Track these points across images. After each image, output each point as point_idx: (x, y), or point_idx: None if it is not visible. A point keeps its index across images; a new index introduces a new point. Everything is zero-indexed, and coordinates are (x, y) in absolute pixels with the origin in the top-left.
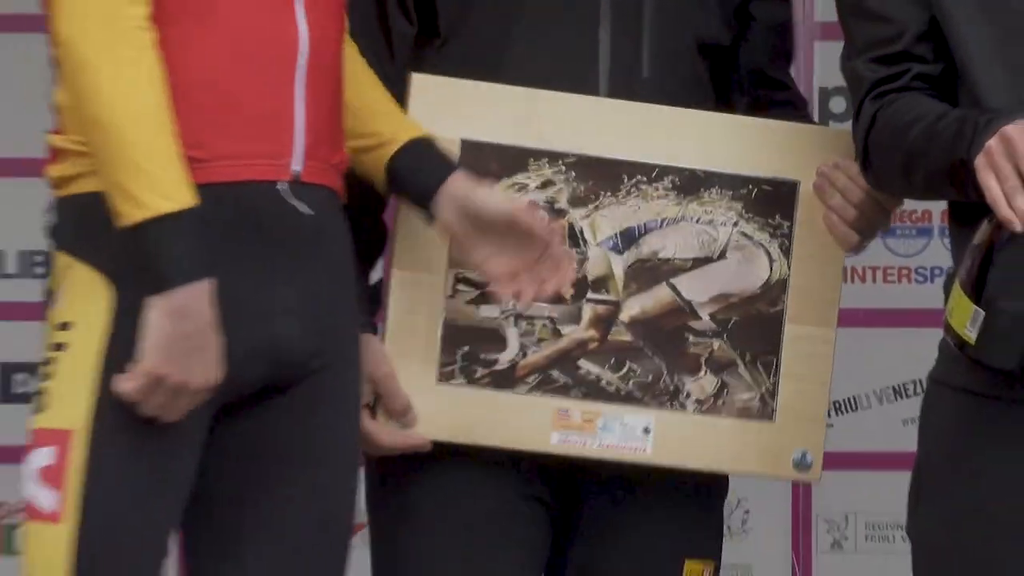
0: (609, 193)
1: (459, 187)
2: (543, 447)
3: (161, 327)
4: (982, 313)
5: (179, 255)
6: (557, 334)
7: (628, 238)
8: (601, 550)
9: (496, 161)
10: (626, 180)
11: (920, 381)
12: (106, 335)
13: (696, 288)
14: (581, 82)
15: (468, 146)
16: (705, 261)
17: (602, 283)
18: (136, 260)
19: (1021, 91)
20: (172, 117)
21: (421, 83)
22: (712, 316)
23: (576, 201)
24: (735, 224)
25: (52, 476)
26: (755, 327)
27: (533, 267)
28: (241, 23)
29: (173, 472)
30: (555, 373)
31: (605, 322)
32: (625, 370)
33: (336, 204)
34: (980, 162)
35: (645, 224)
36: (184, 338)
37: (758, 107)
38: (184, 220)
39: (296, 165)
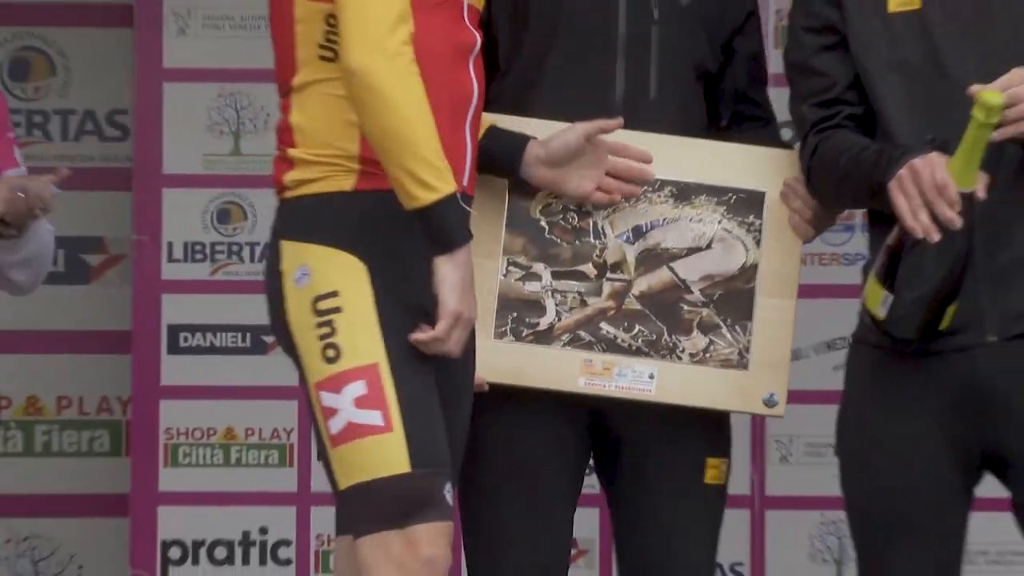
0: (623, 199)
1: (534, 147)
2: (573, 388)
3: (455, 277)
4: (891, 297)
5: (459, 223)
6: (584, 304)
7: (638, 233)
8: (644, 458)
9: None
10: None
11: (844, 338)
12: (372, 294)
13: (689, 270)
14: (601, 101)
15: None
16: (696, 250)
17: (618, 266)
18: (382, 241)
19: (921, 130)
20: (354, 139)
21: (488, 120)
22: (701, 291)
23: (599, 205)
24: (719, 222)
25: (371, 401)
26: (734, 299)
27: (608, 172)
28: (440, 78)
29: (433, 385)
30: (582, 333)
31: (620, 295)
32: (635, 331)
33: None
34: (893, 185)
35: (650, 223)
36: (467, 283)
37: (737, 120)
38: (456, 198)
39: (465, 181)
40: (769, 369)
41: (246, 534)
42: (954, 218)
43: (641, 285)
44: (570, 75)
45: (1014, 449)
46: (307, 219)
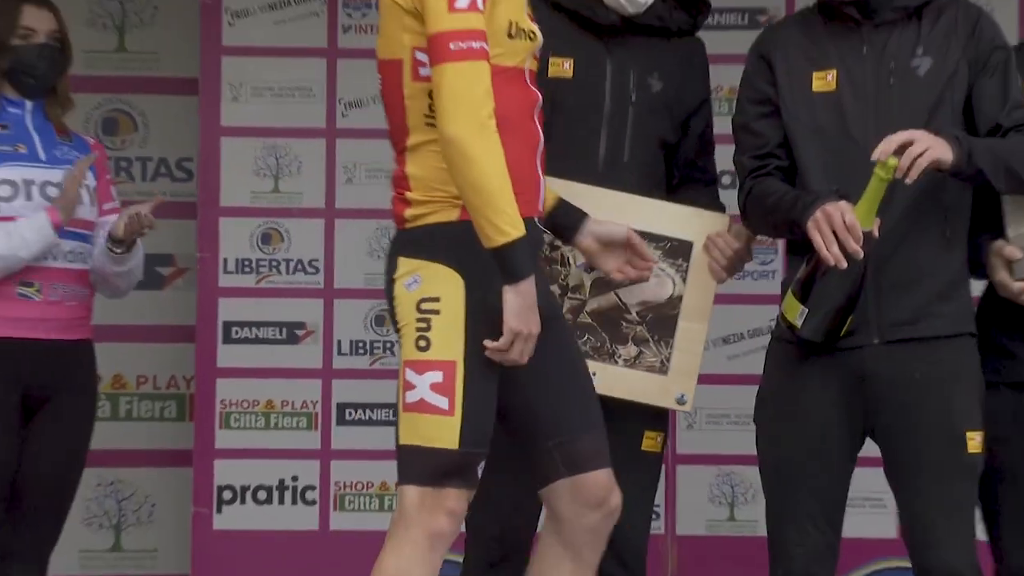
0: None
1: (591, 224)
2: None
3: (516, 303)
4: (806, 311)
5: (523, 262)
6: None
7: (592, 266)
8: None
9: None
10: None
11: (737, 334)
12: (464, 304)
13: (630, 296)
14: (587, 161)
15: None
16: (636, 281)
17: (577, 288)
18: (481, 263)
19: (829, 181)
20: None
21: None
22: (637, 313)
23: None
24: (665, 257)
25: (442, 388)
26: (661, 321)
27: (629, 262)
28: (519, 132)
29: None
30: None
31: (577, 311)
32: (585, 338)
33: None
34: (810, 225)
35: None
36: (528, 307)
37: (686, 180)
38: (522, 241)
39: (540, 206)
40: (683, 376)
41: (281, 481)
42: (859, 251)
43: (592, 304)
44: (566, 140)
45: (884, 423)
46: (421, 243)
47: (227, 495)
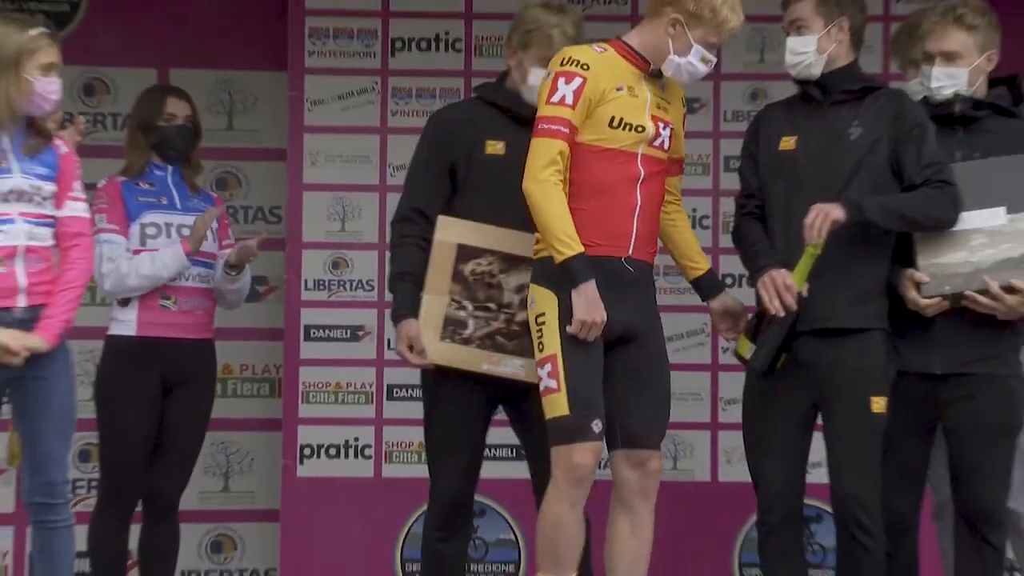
0: (512, 269)
1: (724, 296)
2: (479, 370)
3: (579, 300)
4: (754, 348)
5: (580, 272)
6: (488, 324)
7: (519, 288)
8: (522, 408)
9: (472, 252)
10: (518, 264)
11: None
12: (557, 314)
13: None
14: (517, 209)
15: (460, 247)
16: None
17: (508, 305)
18: (562, 280)
19: (784, 219)
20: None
21: (443, 220)
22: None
23: (500, 271)
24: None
25: (551, 375)
26: None
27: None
28: (612, 194)
29: (599, 365)
30: (487, 340)
31: (508, 322)
32: (514, 342)
33: (647, 269)
34: (759, 285)
35: (523, 283)
36: (588, 302)
37: None
38: (579, 256)
39: (630, 252)
40: None
41: (346, 441)
42: (793, 305)
43: (519, 317)
44: (503, 196)
45: (824, 397)
46: (536, 271)
47: (307, 451)
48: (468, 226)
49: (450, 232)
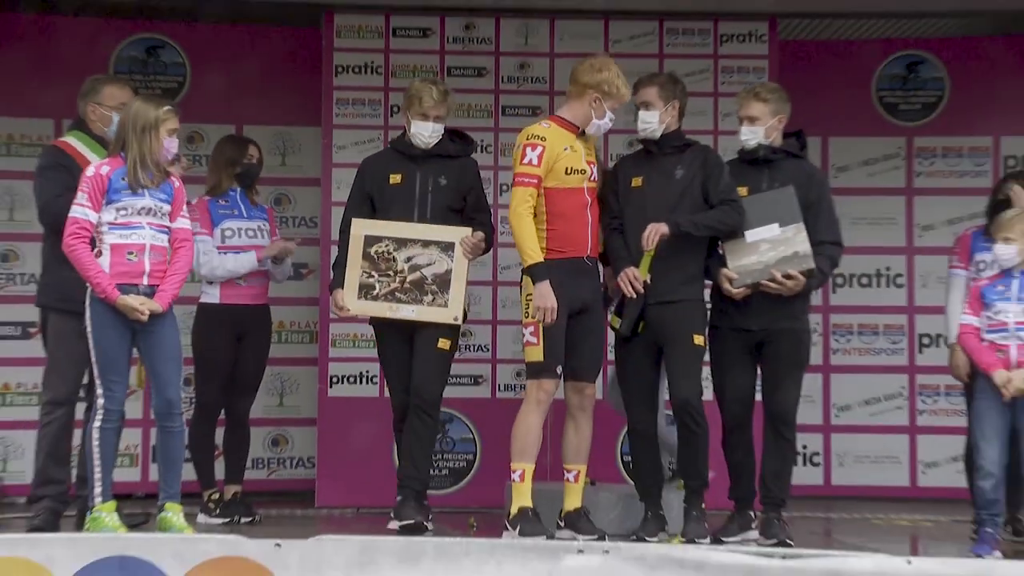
0: (401, 247)
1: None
2: (386, 315)
3: (537, 293)
4: (620, 321)
5: (539, 273)
6: (389, 286)
7: (409, 258)
8: (421, 338)
9: (376, 241)
10: (408, 244)
11: None
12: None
13: (429, 271)
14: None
15: (367, 237)
16: (430, 264)
17: (401, 271)
18: (553, 272)
19: (635, 237)
20: (539, 241)
21: (355, 221)
22: (431, 279)
23: (394, 249)
24: (441, 252)
25: (534, 333)
26: (442, 282)
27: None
28: (573, 218)
29: (563, 330)
30: (389, 296)
31: (403, 282)
32: (408, 294)
33: (596, 262)
34: (619, 278)
35: (414, 254)
36: (543, 295)
37: (472, 223)
38: (538, 264)
39: (587, 252)
40: (455, 307)
41: (360, 373)
42: (641, 290)
43: (409, 279)
44: (399, 213)
45: (665, 340)
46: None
47: (335, 380)
48: (369, 222)
49: (358, 227)
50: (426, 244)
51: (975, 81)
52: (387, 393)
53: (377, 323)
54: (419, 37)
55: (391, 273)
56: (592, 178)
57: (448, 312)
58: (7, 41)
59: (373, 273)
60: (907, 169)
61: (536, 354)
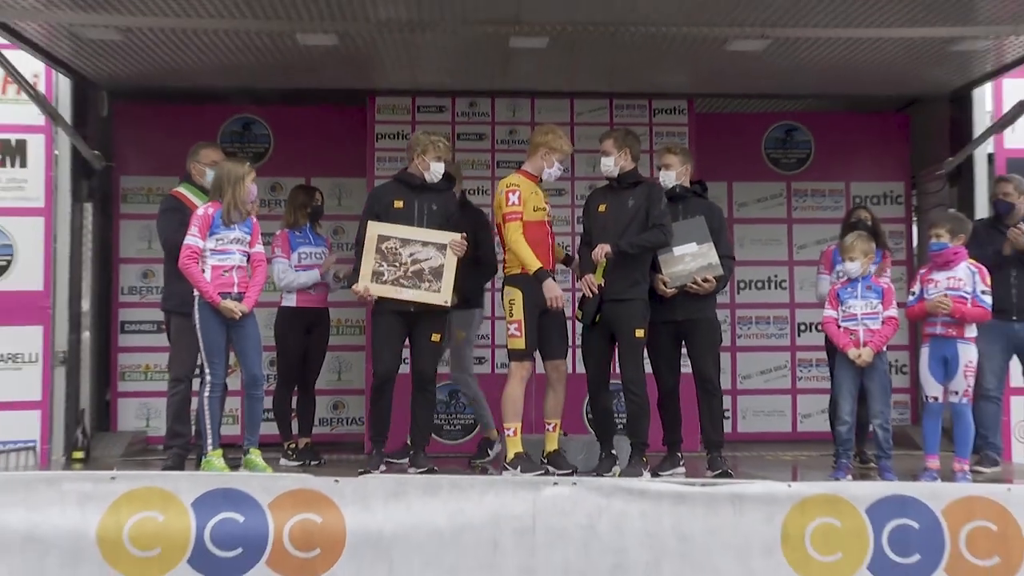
0: (405, 245)
1: (574, 263)
2: (393, 296)
3: (548, 289)
4: (583, 313)
5: (546, 274)
6: (394, 274)
7: (412, 253)
8: (419, 333)
9: (386, 240)
10: (411, 243)
11: None
12: (523, 300)
13: (428, 264)
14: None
15: (380, 236)
16: (427, 260)
17: (405, 263)
18: (529, 282)
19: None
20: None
21: (370, 223)
22: (428, 270)
23: (400, 246)
24: (436, 251)
25: (518, 328)
26: (437, 272)
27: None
28: (541, 244)
29: (535, 324)
30: (395, 281)
31: (407, 271)
32: (411, 282)
33: (550, 274)
34: (582, 282)
35: (415, 251)
36: (552, 288)
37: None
38: (542, 269)
39: (551, 266)
40: (445, 292)
41: None
42: (596, 292)
43: (411, 270)
44: (400, 215)
45: (616, 331)
46: (508, 279)
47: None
48: (381, 225)
49: (373, 229)
50: (424, 244)
51: (832, 143)
52: (405, 367)
53: (379, 311)
54: (436, 112)
55: (397, 264)
56: (549, 214)
57: (440, 296)
58: (147, 121)
59: (383, 264)
60: (787, 205)
61: (519, 343)
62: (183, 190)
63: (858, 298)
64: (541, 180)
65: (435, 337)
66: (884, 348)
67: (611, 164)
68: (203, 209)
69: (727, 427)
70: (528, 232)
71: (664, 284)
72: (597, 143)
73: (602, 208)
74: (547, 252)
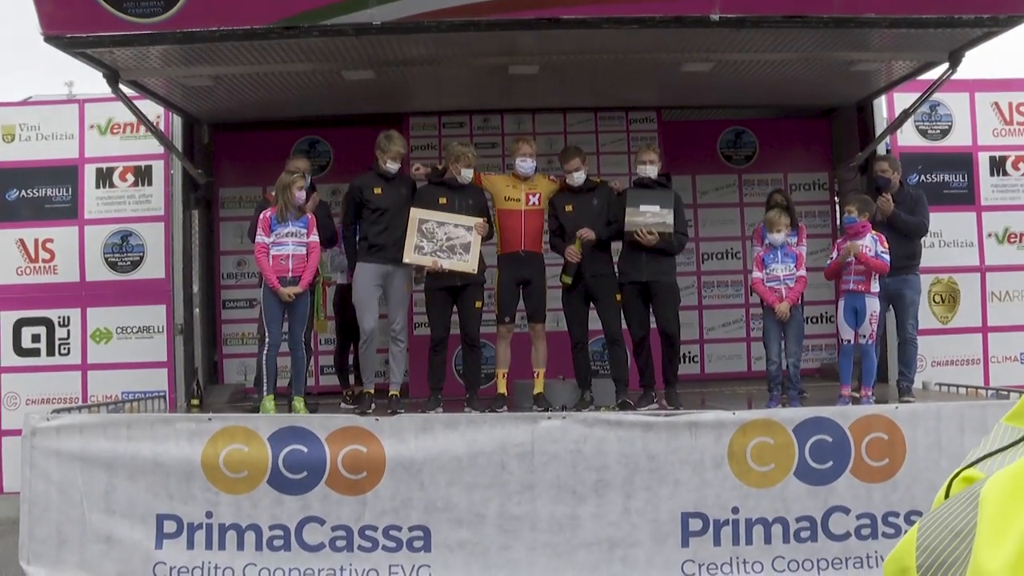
0: (440, 227)
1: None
2: (429, 264)
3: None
4: (567, 277)
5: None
6: (432, 247)
7: (446, 231)
8: (463, 300)
9: (426, 222)
10: (445, 224)
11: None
12: (499, 275)
13: (458, 241)
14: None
15: (420, 219)
16: (458, 238)
17: (441, 239)
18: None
19: (570, 241)
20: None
21: (412, 210)
22: (460, 246)
23: (436, 226)
24: (466, 231)
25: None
26: (464, 246)
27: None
28: (508, 222)
29: (512, 295)
30: (433, 253)
31: (444, 244)
32: (446, 253)
33: (538, 258)
34: (566, 252)
35: (450, 231)
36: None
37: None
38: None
39: (525, 248)
40: (472, 262)
41: None
42: (578, 259)
43: (446, 244)
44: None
45: (596, 299)
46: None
47: (416, 326)
48: (423, 211)
49: (414, 213)
50: (456, 225)
51: (772, 143)
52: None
53: (431, 287)
54: (458, 127)
55: (434, 241)
56: (530, 203)
57: (468, 265)
58: (238, 145)
59: (423, 240)
60: (739, 192)
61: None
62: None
63: (779, 262)
64: (520, 176)
65: (477, 304)
66: (799, 301)
67: (583, 176)
68: (263, 214)
69: (696, 369)
70: (502, 219)
71: (623, 230)
72: (584, 148)
73: (569, 208)
74: (518, 235)
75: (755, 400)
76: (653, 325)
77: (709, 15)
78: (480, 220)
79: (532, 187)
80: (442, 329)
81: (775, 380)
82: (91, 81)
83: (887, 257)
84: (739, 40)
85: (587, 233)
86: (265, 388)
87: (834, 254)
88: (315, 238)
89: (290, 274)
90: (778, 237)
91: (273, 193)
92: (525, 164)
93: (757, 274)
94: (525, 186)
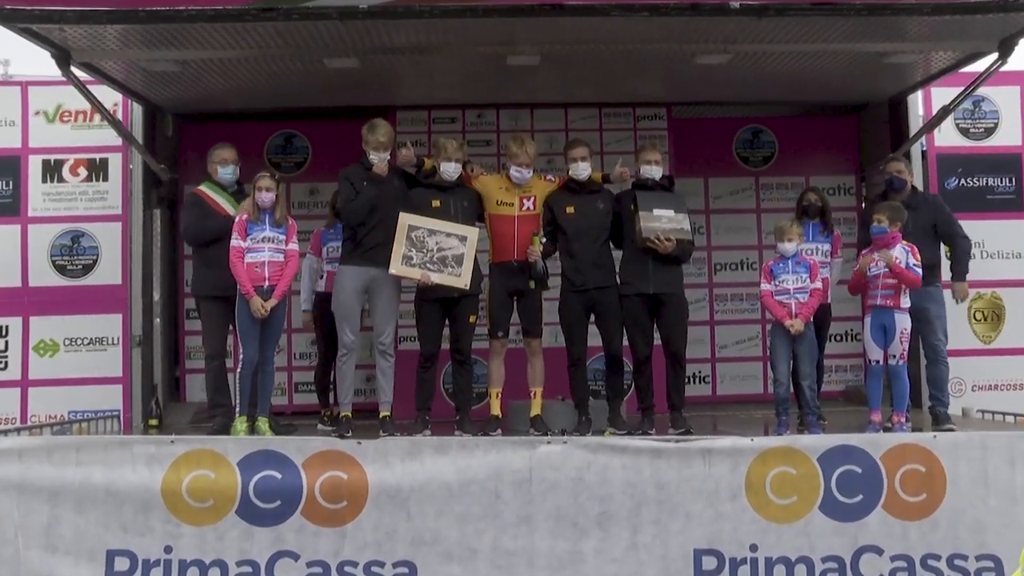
0: (431, 235)
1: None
2: (418, 278)
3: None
4: (534, 284)
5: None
6: (422, 259)
7: (438, 241)
8: (458, 313)
9: (413, 228)
10: (437, 234)
11: None
12: (491, 286)
13: (451, 251)
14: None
15: (410, 226)
16: (451, 248)
17: (431, 250)
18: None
19: (570, 245)
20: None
21: (401, 215)
22: (450, 257)
23: (427, 235)
24: (458, 241)
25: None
26: (456, 258)
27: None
28: (500, 229)
29: (505, 308)
30: (422, 265)
31: (433, 256)
32: (436, 265)
33: (521, 264)
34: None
35: (441, 240)
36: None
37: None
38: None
39: (518, 257)
40: (465, 276)
41: None
42: (535, 259)
43: (436, 256)
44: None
45: (597, 312)
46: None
47: (401, 340)
48: (412, 216)
49: (404, 220)
50: (448, 235)
51: (793, 143)
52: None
53: (423, 299)
54: (449, 123)
55: (424, 251)
56: (524, 208)
57: (460, 280)
58: (205, 138)
59: (412, 250)
60: (756, 197)
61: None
62: (204, 188)
63: (789, 273)
64: (513, 180)
65: (471, 319)
66: (811, 318)
67: (588, 169)
68: (238, 216)
69: (707, 390)
70: (494, 225)
71: (640, 235)
72: (585, 147)
73: (570, 210)
74: (511, 242)
75: (772, 425)
76: (656, 341)
77: (728, 2)
78: (475, 230)
79: (526, 191)
80: (433, 344)
81: (783, 403)
82: (35, 61)
83: (919, 270)
84: (760, 30)
85: (626, 174)
86: (238, 408)
87: (856, 266)
88: (295, 246)
89: (266, 283)
90: (791, 247)
91: (202, 187)
92: (519, 175)
93: (765, 286)
94: (519, 189)
